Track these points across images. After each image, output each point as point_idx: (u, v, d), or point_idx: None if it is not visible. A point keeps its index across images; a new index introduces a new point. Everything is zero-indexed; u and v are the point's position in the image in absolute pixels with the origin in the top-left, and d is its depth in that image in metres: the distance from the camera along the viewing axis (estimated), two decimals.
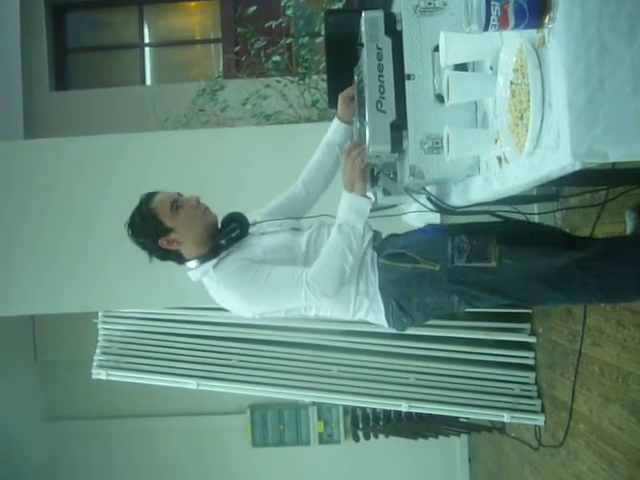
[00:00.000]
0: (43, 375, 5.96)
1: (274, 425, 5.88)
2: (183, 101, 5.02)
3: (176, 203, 2.11)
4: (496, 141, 1.46)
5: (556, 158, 1.12)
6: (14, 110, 5.61)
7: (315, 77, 4.86)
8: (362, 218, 2.02)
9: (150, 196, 2.14)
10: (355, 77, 1.93)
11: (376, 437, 5.46)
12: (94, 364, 4.21)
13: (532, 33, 1.19)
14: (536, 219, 3.19)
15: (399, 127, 1.69)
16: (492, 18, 1.13)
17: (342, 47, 2.15)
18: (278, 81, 4.94)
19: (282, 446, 5.91)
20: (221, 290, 2.10)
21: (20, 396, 5.80)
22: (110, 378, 4.19)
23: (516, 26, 1.12)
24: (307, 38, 4.88)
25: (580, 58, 1.06)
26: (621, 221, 2.54)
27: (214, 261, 2.09)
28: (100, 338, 4.25)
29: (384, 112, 1.70)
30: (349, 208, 2.02)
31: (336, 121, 2.30)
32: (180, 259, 2.17)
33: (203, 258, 2.10)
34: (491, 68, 1.49)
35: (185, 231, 2.11)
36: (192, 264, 2.13)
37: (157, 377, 4.15)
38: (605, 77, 1.06)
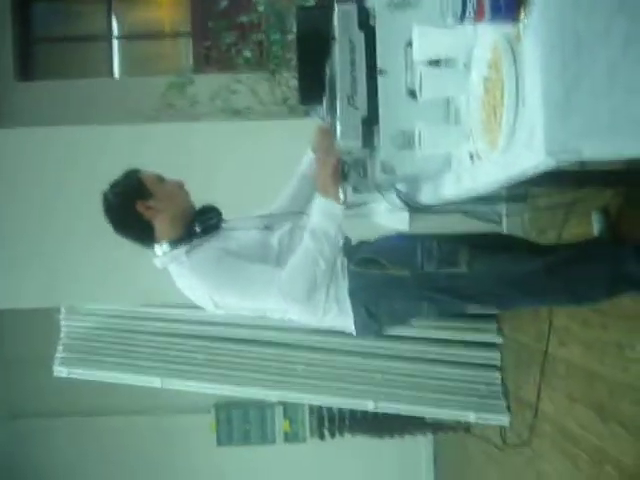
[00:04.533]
0: (4, 372, 5.83)
1: (239, 424, 5.84)
2: (152, 95, 4.93)
3: (161, 177, 2.12)
4: (469, 137, 1.44)
5: (530, 155, 1.10)
6: None
7: (286, 75, 4.83)
8: (335, 223, 1.99)
9: (136, 168, 2.13)
10: (327, 71, 1.90)
11: (342, 435, 5.46)
12: (55, 361, 4.12)
13: (507, 28, 1.17)
14: (504, 220, 3.21)
15: (370, 122, 1.67)
16: (468, 10, 1.12)
17: (314, 43, 2.12)
18: (248, 77, 4.90)
19: (247, 445, 5.87)
20: (191, 277, 2.04)
21: None
22: (72, 375, 4.11)
23: (492, 19, 1.11)
24: (278, 35, 4.84)
25: (555, 54, 1.05)
26: (588, 223, 2.55)
27: (187, 247, 2.04)
28: (62, 335, 4.17)
29: (356, 107, 1.67)
30: (322, 213, 1.99)
31: (309, 154, 2.26)
32: (149, 236, 2.09)
33: (175, 242, 2.05)
34: (464, 65, 1.48)
35: (165, 202, 2.07)
36: (161, 249, 2.07)
37: (121, 375, 4.09)
38: (581, 73, 1.04)
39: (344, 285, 2.04)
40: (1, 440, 5.83)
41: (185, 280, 2.07)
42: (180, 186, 2.13)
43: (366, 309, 2.02)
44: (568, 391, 2.99)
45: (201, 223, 2.07)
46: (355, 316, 2.04)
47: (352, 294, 2.03)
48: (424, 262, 1.97)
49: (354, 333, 2.09)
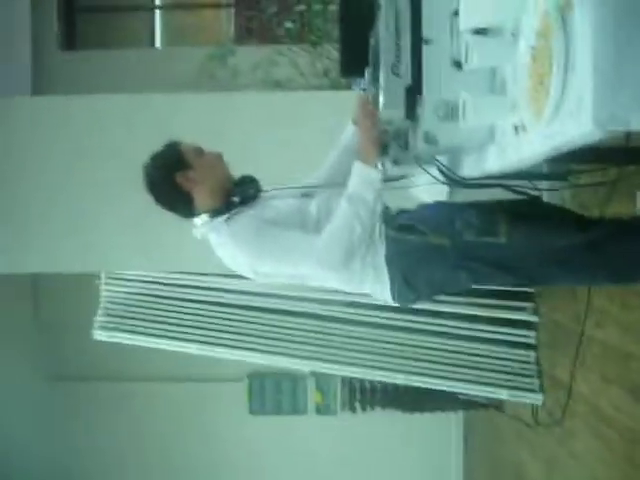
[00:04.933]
0: (45, 335, 5.97)
1: (272, 394, 5.91)
2: (193, 65, 4.96)
3: (201, 149, 2.14)
4: (514, 109, 1.43)
5: (576, 125, 1.09)
6: (22, 67, 5.57)
7: (327, 46, 4.80)
8: (372, 189, 1.99)
9: (176, 140, 2.16)
10: (371, 40, 1.89)
11: (373, 409, 5.49)
12: (95, 325, 4.22)
13: None
14: (545, 196, 3.17)
15: (414, 92, 1.66)
16: None
17: (356, 13, 2.11)
18: (290, 48, 4.89)
19: (279, 415, 5.94)
20: (230, 245, 2.06)
21: (20, 355, 5.83)
22: (111, 339, 4.21)
23: None
24: (321, 6, 4.81)
25: (607, 23, 1.03)
26: (631, 201, 2.51)
27: (226, 216, 2.07)
28: (102, 299, 4.25)
29: (399, 76, 1.66)
30: (360, 178, 1.99)
31: (351, 126, 2.25)
32: (189, 208, 2.12)
33: (215, 212, 2.08)
34: (512, 34, 1.46)
35: (204, 174, 2.09)
36: (200, 220, 2.10)
37: (157, 340, 4.17)
38: (632, 44, 1.02)
39: (381, 252, 2.03)
40: (40, 402, 5.98)
41: (224, 249, 2.10)
42: (219, 158, 2.15)
43: (403, 276, 2.01)
44: (603, 372, 2.97)
45: (239, 193, 2.09)
46: (392, 283, 2.03)
47: (389, 260, 2.02)
48: (463, 231, 1.95)
49: (391, 301, 2.09)
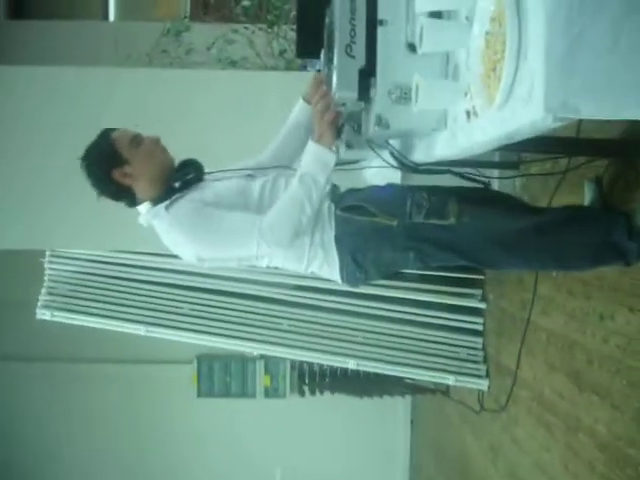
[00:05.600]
0: None
1: (220, 376, 5.87)
2: (147, 40, 4.84)
3: (136, 139, 2.07)
4: (466, 94, 1.42)
5: (528, 111, 1.08)
6: None
7: (284, 27, 4.75)
8: (326, 171, 1.97)
9: (110, 129, 2.10)
10: (326, 19, 1.86)
11: (321, 393, 5.50)
12: (39, 304, 4.11)
13: None
14: (496, 185, 3.19)
15: (367, 74, 1.64)
16: None
17: None
18: (246, 27, 4.82)
19: (227, 397, 5.91)
20: (172, 232, 2.03)
21: None
22: (55, 319, 4.10)
23: None
24: None
25: (561, 8, 1.02)
26: (579, 192, 2.54)
27: (166, 202, 2.03)
28: (46, 278, 4.14)
29: (353, 57, 1.64)
30: (314, 159, 1.97)
31: (301, 102, 2.22)
32: (132, 199, 2.10)
33: (156, 200, 2.05)
34: (467, 18, 1.44)
35: (141, 167, 2.04)
36: (144, 207, 2.07)
37: (105, 321, 4.08)
38: (585, 29, 1.02)
39: (330, 232, 2.02)
40: None
41: (167, 235, 2.06)
42: (156, 144, 2.09)
43: (352, 256, 2.01)
44: (548, 359, 3.01)
45: (179, 178, 2.05)
46: (341, 263, 2.02)
47: (338, 240, 2.01)
48: (413, 212, 1.95)
49: (340, 281, 2.07)
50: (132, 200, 2.10)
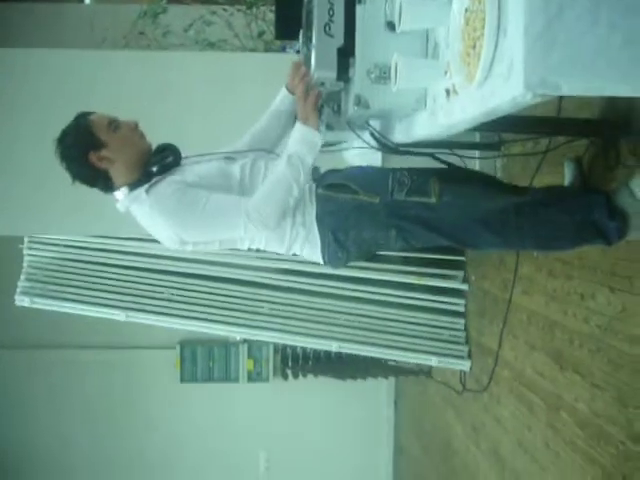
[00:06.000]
0: None
1: (203, 361, 5.86)
2: (123, 23, 4.77)
3: (114, 122, 2.03)
4: (446, 73, 1.40)
5: (507, 88, 1.07)
6: None
7: (263, 8, 4.70)
8: (313, 152, 1.96)
9: (86, 113, 2.06)
10: None
11: (305, 376, 5.52)
12: (18, 290, 4.06)
13: None
14: (477, 165, 3.19)
15: (346, 53, 1.63)
16: None
17: None
18: (224, 9, 4.76)
19: (210, 382, 5.90)
20: (153, 215, 2.00)
21: None
22: (34, 305, 4.05)
23: None
24: None
25: None
26: (559, 172, 2.54)
27: (146, 186, 1.99)
28: (25, 264, 4.09)
29: (332, 36, 1.62)
30: (301, 140, 1.95)
31: (284, 90, 2.20)
32: (108, 184, 2.05)
33: (133, 184, 2.01)
34: None
35: (119, 150, 2.00)
36: (121, 193, 2.03)
37: (84, 307, 4.04)
38: (565, 4, 1.01)
39: (312, 211, 2.01)
40: None
41: (148, 219, 2.03)
42: (134, 129, 2.06)
43: (334, 235, 2.00)
44: (529, 339, 3.03)
45: (157, 162, 2.02)
46: (322, 242, 2.01)
47: (319, 219, 2.00)
48: (394, 190, 1.95)
49: (321, 261, 2.06)
50: (107, 185, 2.06)
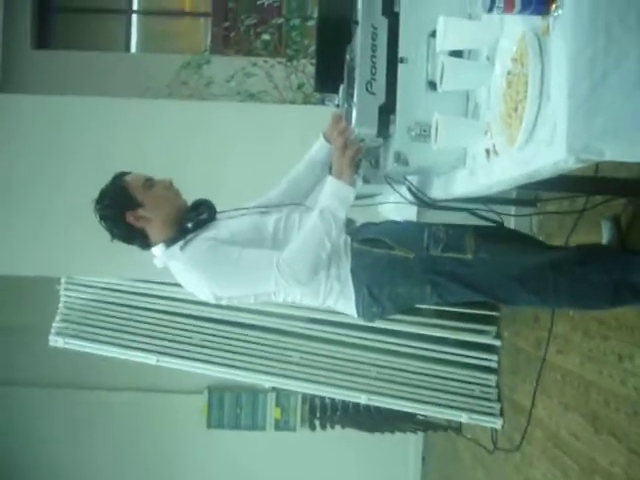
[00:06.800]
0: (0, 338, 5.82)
1: (231, 408, 5.83)
2: (167, 72, 4.91)
3: (149, 181, 2.08)
4: (486, 133, 1.42)
5: (550, 153, 1.08)
6: None
7: (303, 61, 4.81)
8: (345, 206, 1.97)
9: (122, 173, 2.11)
10: (347, 55, 1.88)
11: (332, 427, 5.44)
12: (52, 331, 4.10)
13: (536, 21, 1.15)
14: (512, 222, 3.18)
15: (387, 111, 1.65)
16: (497, 0, 1.09)
17: (334, 30, 2.10)
18: (265, 61, 4.88)
19: (237, 429, 5.86)
20: (188, 272, 2.03)
21: None
22: (67, 346, 4.09)
23: (522, 10, 1.08)
24: (299, 20, 4.81)
25: (585, 48, 1.02)
26: (596, 232, 2.53)
27: (181, 243, 2.02)
28: (61, 305, 4.14)
29: (373, 94, 1.65)
30: (333, 194, 1.96)
31: (322, 140, 2.23)
32: (145, 242, 2.08)
33: (169, 241, 2.04)
34: (488, 58, 1.45)
35: (155, 208, 2.04)
36: (158, 250, 2.06)
37: (116, 349, 4.07)
38: (609, 70, 1.02)
39: (347, 265, 2.00)
40: None
41: (183, 275, 2.06)
42: (169, 187, 2.10)
43: (368, 289, 1.99)
44: (563, 399, 2.97)
45: (192, 219, 2.05)
46: (357, 296, 2.00)
47: (354, 272, 1.99)
48: (430, 245, 1.94)
49: (355, 315, 2.06)
50: (145, 242, 2.09)
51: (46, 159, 3.63)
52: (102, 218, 2.06)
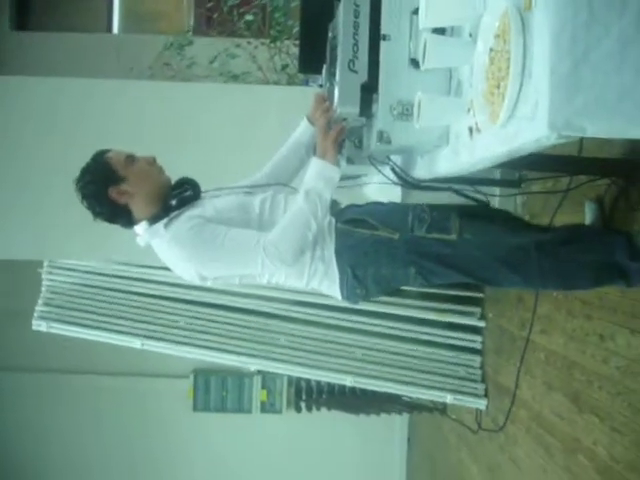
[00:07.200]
0: None
1: (217, 391, 5.83)
2: (149, 53, 4.86)
3: (131, 157, 2.05)
4: (469, 110, 1.41)
5: (531, 129, 1.07)
6: None
7: (287, 42, 4.76)
8: (330, 187, 1.95)
9: (103, 151, 2.08)
10: (329, 33, 1.86)
11: (318, 409, 5.46)
12: (35, 315, 4.07)
13: None
14: (497, 203, 3.18)
15: (370, 89, 1.63)
16: None
17: (318, 11, 2.08)
18: (249, 42, 4.83)
19: (223, 412, 5.87)
20: (173, 250, 1.99)
21: None
22: (51, 330, 4.06)
23: None
24: (282, 0, 4.77)
25: (567, 25, 1.01)
26: (581, 212, 2.53)
27: (165, 220, 2.00)
28: (43, 289, 4.11)
29: (356, 72, 1.63)
30: (318, 175, 1.95)
31: (305, 122, 2.22)
32: (128, 219, 2.06)
33: (153, 219, 2.01)
34: (470, 35, 1.44)
35: (138, 183, 2.01)
36: (141, 228, 2.04)
37: (101, 333, 4.04)
38: (591, 47, 1.01)
39: (331, 246, 1.99)
40: None
41: (167, 254, 2.03)
42: (152, 163, 2.08)
43: (352, 271, 1.98)
44: (547, 379, 2.99)
45: (176, 196, 2.03)
46: (341, 278, 2.00)
47: (338, 254, 1.99)
48: (414, 226, 1.94)
49: (339, 296, 2.05)
50: (128, 220, 2.06)
51: (24, 140, 3.58)
52: (84, 196, 2.02)
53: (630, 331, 2.27)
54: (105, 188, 2.00)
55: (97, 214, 2.04)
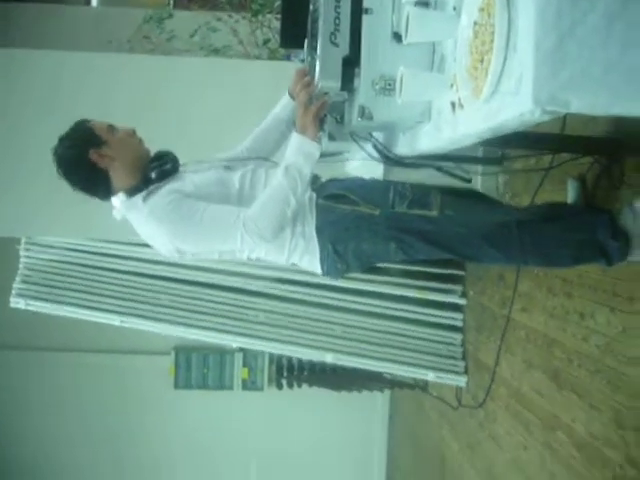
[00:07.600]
0: None
1: (198, 368, 5.83)
2: (128, 27, 4.77)
3: (112, 126, 2.03)
4: (452, 86, 1.38)
5: (515, 104, 1.05)
6: None
7: (269, 16, 4.70)
8: (310, 163, 1.93)
9: (85, 119, 2.05)
10: (310, 6, 1.82)
11: (299, 387, 5.48)
12: (13, 292, 4.02)
13: None
14: (479, 181, 3.18)
15: (351, 63, 1.60)
16: None
17: None
18: (230, 15, 4.76)
19: (204, 389, 5.87)
20: (150, 224, 1.97)
21: None
22: (29, 308, 4.02)
23: None
24: None
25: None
26: (563, 190, 2.52)
27: (143, 193, 1.97)
28: (21, 266, 4.05)
29: (337, 45, 1.60)
30: (298, 150, 1.92)
31: (286, 97, 2.20)
32: (106, 188, 2.02)
33: (131, 191, 1.98)
34: (454, 8, 1.41)
35: (118, 149, 1.99)
36: (118, 199, 2.00)
37: (79, 310, 4.00)
38: (577, 22, 0.99)
39: (312, 221, 1.98)
40: None
41: (145, 228, 2.00)
42: (132, 134, 2.06)
43: (333, 246, 1.97)
44: (527, 357, 3.00)
45: (155, 169, 2.00)
46: (321, 253, 1.99)
47: (319, 229, 1.98)
48: (395, 202, 1.93)
49: (320, 272, 2.04)
50: (106, 189, 2.03)
51: (4, 115, 3.51)
52: (62, 163, 1.98)
53: (610, 309, 2.27)
54: (86, 151, 1.97)
55: (75, 183, 2.01)
